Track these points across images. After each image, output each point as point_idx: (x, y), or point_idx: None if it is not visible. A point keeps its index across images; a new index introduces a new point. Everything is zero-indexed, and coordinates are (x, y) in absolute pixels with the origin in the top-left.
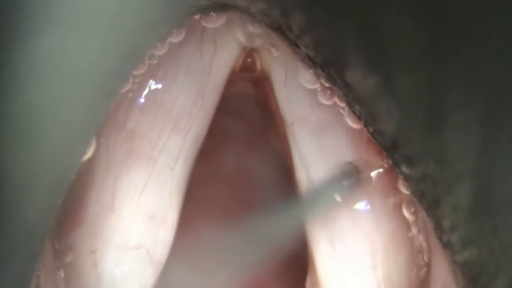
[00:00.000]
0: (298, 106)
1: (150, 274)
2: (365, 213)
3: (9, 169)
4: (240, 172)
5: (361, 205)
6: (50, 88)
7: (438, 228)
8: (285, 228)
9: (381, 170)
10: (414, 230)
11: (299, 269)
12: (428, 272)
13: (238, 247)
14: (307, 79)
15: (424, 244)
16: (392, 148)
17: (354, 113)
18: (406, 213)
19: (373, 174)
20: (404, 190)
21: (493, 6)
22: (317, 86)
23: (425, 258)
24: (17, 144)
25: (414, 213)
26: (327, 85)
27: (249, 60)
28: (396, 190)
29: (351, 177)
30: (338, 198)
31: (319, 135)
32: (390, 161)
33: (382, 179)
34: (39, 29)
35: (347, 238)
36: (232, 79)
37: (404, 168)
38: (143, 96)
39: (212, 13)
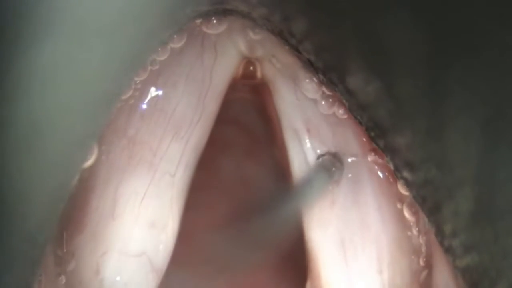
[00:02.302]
0: (300, 114)
1: (151, 281)
2: (374, 216)
3: (11, 175)
4: (239, 179)
5: (370, 209)
6: (52, 95)
7: (440, 233)
8: (281, 223)
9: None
10: (414, 231)
11: (298, 274)
12: (429, 277)
13: (236, 247)
14: (308, 88)
15: (424, 247)
16: (393, 153)
17: (356, 118)
18: (407, 214)
19: (379, 177)
20: (404, 191)
21: (493, 14)
22: (319, 94)
23: (425, 260)
24: (19, 151)
25: (415, 213)
26: (329, 93)
27: (250, 67)
28: (398, 191)
29: (333, 167)
30: (325, 187)
31: (319, 144)
32: (392, 166)
33: (387, 183)
34: (41, 36)
35: (357, 242)
36: (232, 86)
37: (406, 174)
38: (144, 103)
39: (213, 18)
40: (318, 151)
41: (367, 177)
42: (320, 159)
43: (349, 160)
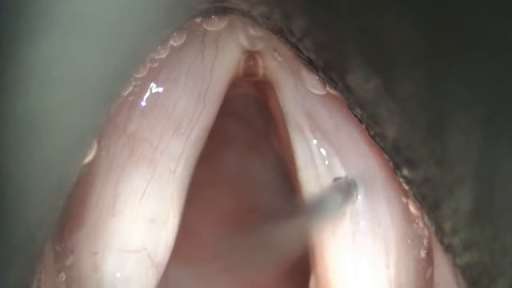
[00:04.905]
0: (303, 110)
1: (151, 277)
2: (384, 212)
3: (10, 172)
4: (241, 174)
5: (381, 205)
6: (51, 91)
7: (439, 231)
8: (290, 236)
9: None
10: (420, 224)
11: (302, 269)
12: (432, 273)
13: (243, 252)
14: (311, 83)
15: (428, 242)
16: (393, 151)
17: (356, 116)
18: (412, 208)
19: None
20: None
21: (493, 10)
22: (321, 89)
23: (428, 256)
24: (18, 147)
25: (421, 208)
26: (331, 89)
27: (251, 62)
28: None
29: (346, 192)
30: (338, 209)
31: (324, 138)
32: (392, 164)
33: (394, 177)
34: (40, 32)
35: (368, 235)
36: (233, 81)
37: (406, 172)
38: (144, 99)
39: (213, 16)
40: (322, 146)
41: (376, 172)
42: (336, 182)
43: (355, 155)
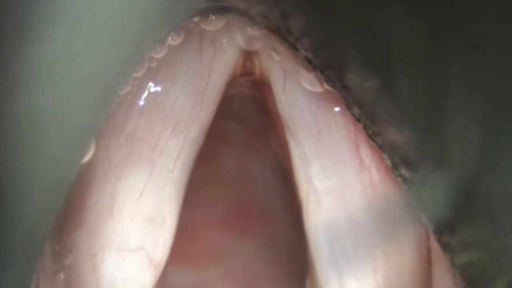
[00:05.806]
0: (298, 109)
1: (149, 277)
2: (365, 217)
3: (10, 170)
4: (239, 174)
5: (361, 210)
6: (51, 91)
7: (438, 231)
8: None
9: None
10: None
11: (299, 269)
12: (428, 274)
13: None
14: (308, 81)
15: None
16: (391, 151)
17: (353, 115)
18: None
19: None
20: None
21: (493, 10)
22: (319, 89)
23: (425, 256)
24: (18, 146)
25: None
26: (328, 88)
27: (248, 63)
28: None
29: None
30: None
31: (318, 138)
32: (390, 164)
33: (384, 183)
34: (40, 32)
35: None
36: (231, 81)
37: (403, 171)
38: (142, 98)
39: (211, 15)
40: (317, 144)
41: (358, 177)
42: None
43: (350, 155)
